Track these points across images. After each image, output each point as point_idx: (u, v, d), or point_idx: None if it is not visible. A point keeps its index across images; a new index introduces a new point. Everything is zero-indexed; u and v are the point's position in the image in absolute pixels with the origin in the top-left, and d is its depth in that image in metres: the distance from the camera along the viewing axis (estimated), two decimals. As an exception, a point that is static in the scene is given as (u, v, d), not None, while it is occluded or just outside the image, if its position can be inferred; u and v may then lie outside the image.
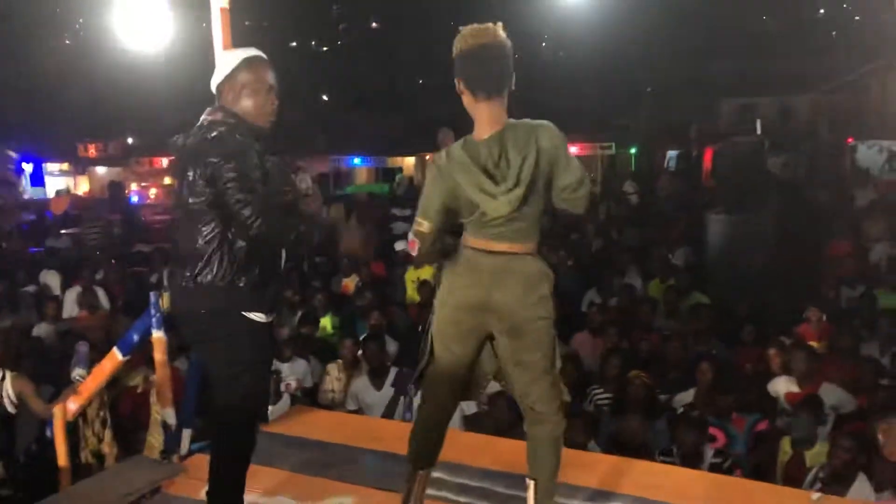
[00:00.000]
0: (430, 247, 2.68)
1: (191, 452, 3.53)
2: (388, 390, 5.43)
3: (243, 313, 2.69)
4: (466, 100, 2.61)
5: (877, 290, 7.12)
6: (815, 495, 3.17)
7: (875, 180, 14.27)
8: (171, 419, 3.47)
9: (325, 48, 46.59)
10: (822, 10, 39.44)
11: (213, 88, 2.81)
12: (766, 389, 5.27)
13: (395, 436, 3.66)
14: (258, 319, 2.72)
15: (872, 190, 12.37)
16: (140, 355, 3.91)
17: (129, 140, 26.86)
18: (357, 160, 24.35)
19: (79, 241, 12.82)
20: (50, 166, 24.99)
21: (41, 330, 7.40)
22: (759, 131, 9.54)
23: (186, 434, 3.52)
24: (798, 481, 4.23)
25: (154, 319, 3.32)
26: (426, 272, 8.22)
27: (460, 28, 2.63)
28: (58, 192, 21.16)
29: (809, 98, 25.29)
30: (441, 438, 2.86)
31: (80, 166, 25.93)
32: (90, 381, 3.57)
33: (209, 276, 2.64)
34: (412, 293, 8.13)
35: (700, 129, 23.12)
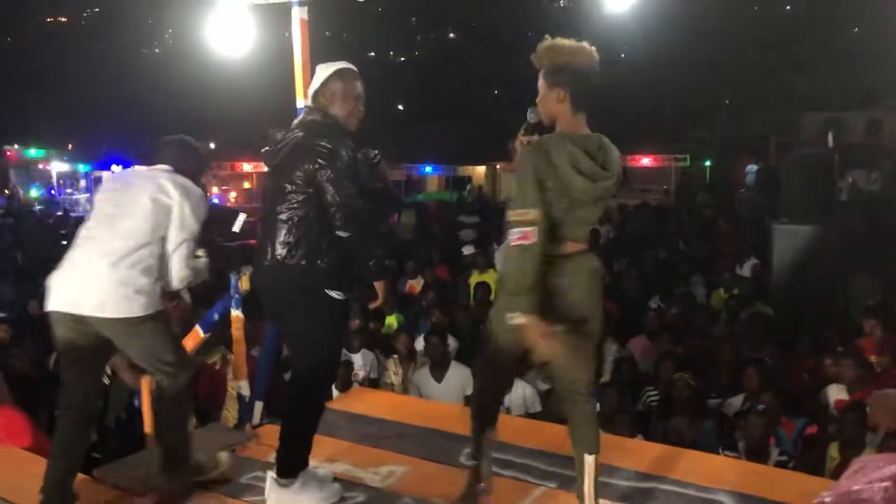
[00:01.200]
0: (544, 233, 2.73)
1: (261, 423, 3.86)
2: (447, 384, 5.68)
3: (324, 290, 3.00)
4: (562, 108, 2.82)
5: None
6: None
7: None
8: (246, 391, 3.80)
9: (402, 58, 47.42)
10: (912, 22, 37.91)
11: (310, 94, 3.19)
12: (818, 398, 5.31)
13: (446, 416, 3.94)
14: (335, 296, 3.03)
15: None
16: (219, 335, 4.27)
17: (211, 145, 27.93)
18: (428, 168, 24.75)
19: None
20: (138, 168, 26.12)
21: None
22: (830, 144, 9.43)
23: (258, 406, 3.85)
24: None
25: (234, 300, 3.65)
26: (490, 276, 8.47)
27: (548, 37, 2.87)
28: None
29: None
30: (498, 401, 3.15)
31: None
32: (175, 355, 3.92)
33: (294, 257, 2.96)
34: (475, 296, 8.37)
35: (780, 143, 22.67)
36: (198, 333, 3.81)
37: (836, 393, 5.13)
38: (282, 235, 2.99)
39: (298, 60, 3.80)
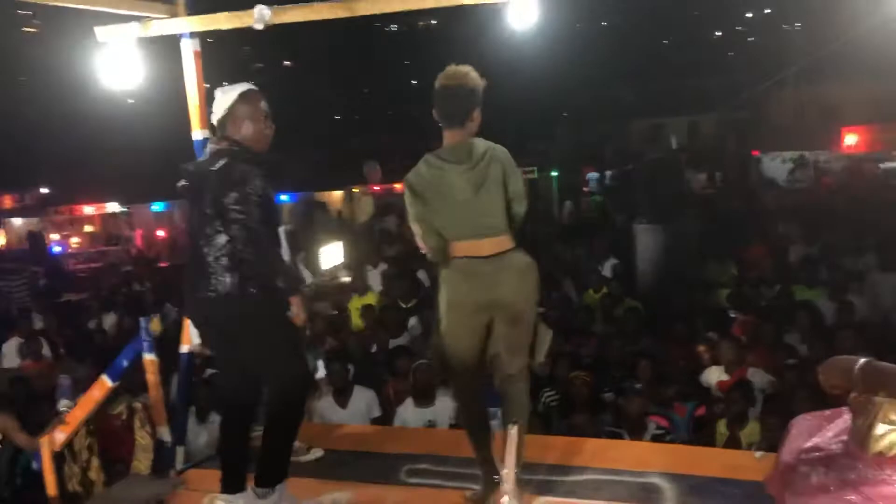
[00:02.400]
0: (434, 243, 3.11)
1: (185, 468, 3.71)
2: (352, 409, 5.66)
3: (284, 313, 3.05)
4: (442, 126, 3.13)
5: (792, 287, 7.75)
6: (759, 454, 3.58)
7: (780, 189, 15.30)
8: (167, 436, 3.65)
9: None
10: (718, 33, 41.68)
11: (215, 122, 3.17)
12: (698, 380, 5.74)
13: (377, 439, 3.97)
14: (275, 315, 3.06)
15: (781, 197, 13.31)
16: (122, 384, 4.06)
17: (44, 190, 26.24)
18: (284, 196, 24.36)
19: (2, 294, 12.54)
20: (-36, 220, 24.17)
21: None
22: (674, 146, 10.25)
23: (180, 451, 3.70)
24: (735, 458, 4.67)
25: (145, 343, 3.51)
26: (369, 298, 8.48)
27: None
28: (-25, 246, 20.49)
29: (714, 115, 26.76)
30: (482, 406, 3.29)
31: (-3, 218, 25.16)
32: (78, 410, 3.71)
33: (224, 288, 2.96)
34: (357, 320, 8.35)
35: (615, 150, 24.15)
36: (105, 383, 3.62)
37: (716, 375, 5.56)
38: (219, 267, 2.97)
39: (193, 92, 3.72)
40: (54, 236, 22.86)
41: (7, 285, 12.08)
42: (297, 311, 3.11)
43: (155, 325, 3.49)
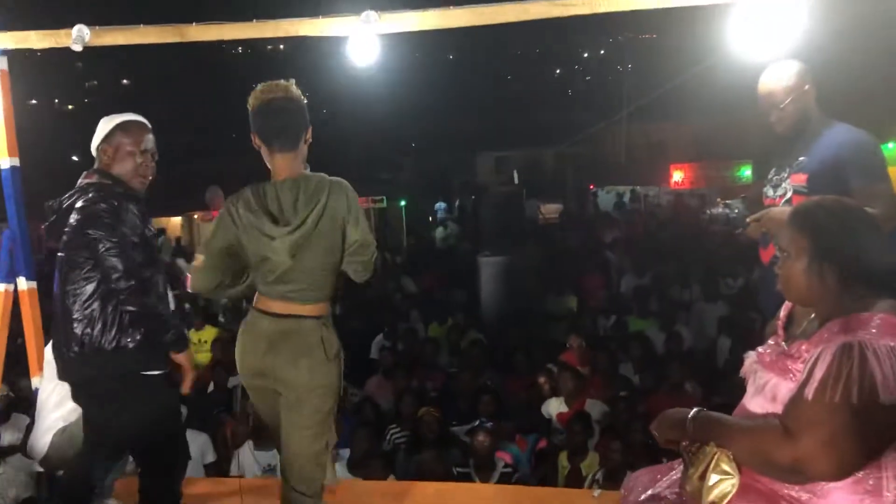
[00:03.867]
0: (205, 284, 2.72)
1: None
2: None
3: (139, 373, 2.71)
4: (263, 152, 2.69)
5: (627, 317, 8.11)
6: (596, 492, 3.64)
7: (616, 221, 16.11)
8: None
9: (70, 107, 43.67)
10: (557, 71, 43.79)
11: (93, 151, 2.85)
12: (539, 412, 5.83)
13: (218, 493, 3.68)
14: (154, 373, 2.75)
15: (615, 230, 13.99)
16: None
17: None
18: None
19: None
20: None
21: None
22: (516, 181, 10.54)
23: None
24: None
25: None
26: (207, 333, 8.08)
27: (254, 86, 2.70)
28: None
29: (554, 151, 27.98)
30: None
31: None
32: None
33: (93, 341, 2.66)
34: (195, 355, 7.93)
35: (464, 182, 24.67)
36: None
37: (556, 406, 5.67)
38: (86, 319, 2.67)
39: (0, 116, 3.36)
40: None
41: None
42: (185, 368, 2.82)
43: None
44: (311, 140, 2.73)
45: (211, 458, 5.34)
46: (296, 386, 2.62)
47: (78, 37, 3.10)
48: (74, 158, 32.75)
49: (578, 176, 25.17)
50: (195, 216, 22.15)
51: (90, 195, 2.71)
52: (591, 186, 24.26)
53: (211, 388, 6.62)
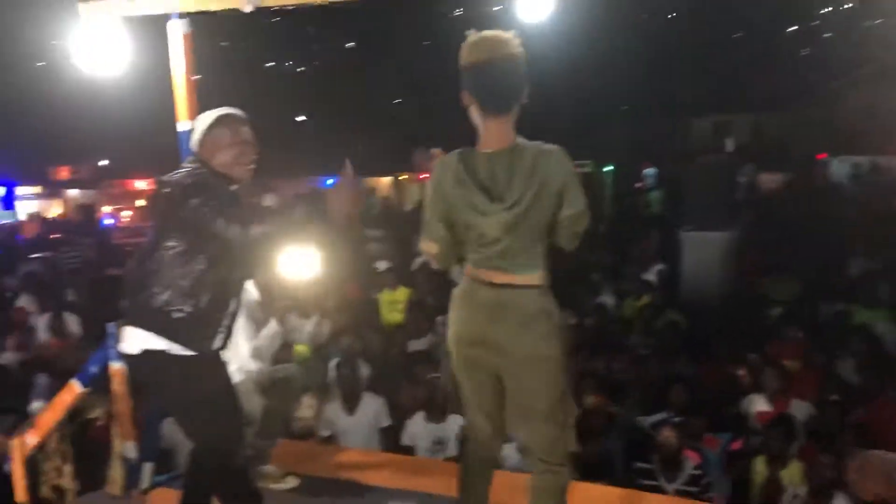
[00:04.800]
0: (449, 262, 2.65)
1: (152, 486, 3.44)
2: (361, 415, 5.36)
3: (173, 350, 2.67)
4: (473, 113, 2.51)
5: (852, 307, 7.14)
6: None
7: (849, 195, 14.44)
8: (132, 453, 3.38)
9: (300, 69, 46.60)
10: (792, 28, 40.14)
11: (193, 146, 2.87)
12: (736, 408, 5.27)
13: (366, 468, 3.63)
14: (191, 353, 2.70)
15: (848, 204, 12.50)
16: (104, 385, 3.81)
17: (102, 162, 26.66)
18: (330, 181, 24.26)
19: (53, 264, 12.62)
20: (22, 190, 24.70)
21: (6, 358, 7.25)
22: (729, 149, 9.61)
23: (147, 468, 3.43)
24: (775, 502, 4.22)
25: (112, 350, 3.23)
26: (401, 294, 8.17)
27: (467, 33, 2.49)
28: (29, 216, 20.86)
29: (780, 115, 25.67)
30: (487, 479, 2.79)
31: (53, 189, 25.65)
32: (48, 413, 3.47)
33: (161, 312, 2.66)
34: (387, 315, 8.06)
35: (674, 147, 23.41)
36: (74, 388, 3.37)
37: (757, 404, 5.08)
38: (149, 290, 2.69)
39: (181, 79, 3.42)
40: (106, 209, 23.20)
41: (60, 256, 12.15)
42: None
43: (125, 330, 3.20)
44: (526, 101, 2.52)
45: (385, 422, 5.35)
46: (521, 357, 2.49)
47: (250, -3, 3.05)
48: (300, 119, 35.05)
49: (808, 143, 22.89)
50: (402, 177, 22.93)
51: (188, 176, 2.72)
52: (823, 155, 21.95)
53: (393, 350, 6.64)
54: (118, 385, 3.29)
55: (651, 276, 8.79)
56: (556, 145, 2.49)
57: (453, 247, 2.60)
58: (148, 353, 2.68)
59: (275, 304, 3.54)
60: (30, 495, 3.58)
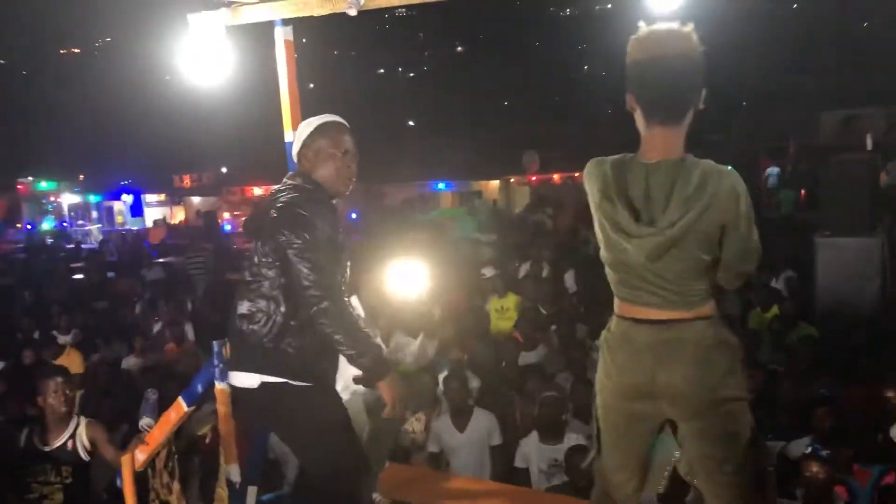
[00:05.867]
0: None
1: (256, 511, 3.34)
2: (471, 432, 5.15)
3: (288, 380, 2.59)
4: (638, 120, 2.17)
5: None
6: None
7: None
8: (235, 476, 3.29)
9: (411, 74, 47.24)
10: (930, 14, 37.32)
11: (294, 157, 2.79)
12: (887, 435, 4.72)
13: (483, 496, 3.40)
14: (304, 384, 2.62)
15: None
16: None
17: (223, 169, 27.69)
18: (441, 185, 24.26)
19: (173, 271, 13.12)
20: (148, 197, 26.01)
21: (129, 363, 7.48)
22: (869, 146, 8.82)
23: (251, 492, 3.33)
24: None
25: (217, 369, 3.15)
26: (510, 301, 7.93)
27: (639, 25, 2.16)
28: (155, 223, 21.93)
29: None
30: None
31: (176, 197, 26.91)
32: (156, 431, 3.44)
33: (257, 337, 2.60)
34: (497, 323, 7.84)
35: (800, 144, 22.09)
36: (181, 406, 3.31)
37: (911, 432, 4.53)
38: (246, 309, 2.65)
39: (285, 87, 3.31)
40: (227, 215, 24.07)
41: (185, 262, 12.62)
42: (387, 397, 2.61)
43: (228, 349, 3.11)
44: (703, 107, 2.17)
45: (497, 440, 5.11)
46: (697, 405, 2.13)
47: (353, 1, 2.91)
48: (410, 123, 35.41)
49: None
50: (511, 180, 22.67)
51: (290, 196, 2.63)
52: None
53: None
54: (222, 406, 3.20)
55: (779, 284, 8.18)
56: (729, 167, 2.12)
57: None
58: (265, 386, 2.62)
59: (379, 321, 3.38)
60: (140, 511, 3.56)
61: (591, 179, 2.19)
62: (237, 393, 2.78)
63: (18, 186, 28.02)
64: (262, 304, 2.60)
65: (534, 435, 4.89)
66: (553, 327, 7.05)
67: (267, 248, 2.60)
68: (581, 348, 6.27)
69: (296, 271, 2.52)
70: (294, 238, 2.52)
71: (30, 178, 28.85)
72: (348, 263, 2.75)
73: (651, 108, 2.11)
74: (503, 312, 7.97)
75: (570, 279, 9.11)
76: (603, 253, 2.24)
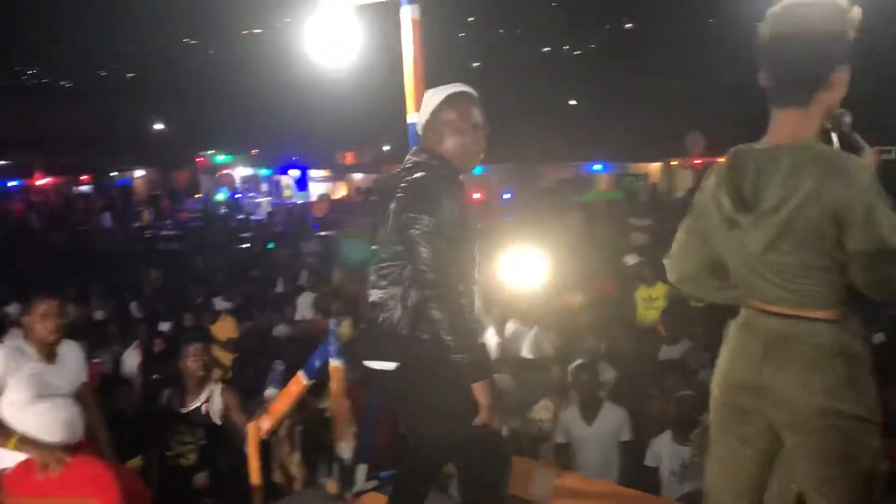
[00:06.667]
0: (675, 273, 2.25)
1: (364, 490, 3.37)
2: (600, 426, 4.97)
3: (433, 366, 2.46)
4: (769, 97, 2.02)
5: None
6: None
7: None
8: (346, 454, 3.32)
9: (577, 52, 46.41)
10: None
11: (419, 129, 2.68)
12: None
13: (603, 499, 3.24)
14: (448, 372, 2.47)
15: None
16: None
17: (385, 147, 28.44)
18: (597, 166, 23.64)
19: (329, 244, 13.63)
20: (313, 173, 27.16)
21: (279, 331, 7.83)
22: None
23: (361, 470, 3.36)
24: None
25: (332, 347, 3.19)
26: (658, 290, 7.57)
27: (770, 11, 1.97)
28: (319, 197, 22.90)
29: None
30: None
31: (339, 173, 27.93)
32: (279, 402, 3.54)
33: (391, 323, 2.50)
34: (643, 312, 7.53)
35: None
36: (300, 380, 3.39)
37: None
38: (390, 299, 2.53)
39: (409, 69, 3.26)
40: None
41: (339, 235, 13.09)
42: (481, 403, 2.44)
43: (345, 328, 3.14)
44: (841, 88, 1.96)
45: (626, 436, 4.91)
46: (802, 413, 1.92)
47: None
48: (572, 102, 34.81)
49: None
50: (673, 163, 21.72)
51: (415, 175, 2.49)
52: None
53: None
54: (335, 383, 3.24)
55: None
56: (851, 156, 1.89)
57: (692, 256, 2.17)
58: (401, 373, 2.51)
59: (493, 309, 3.28)
60: (263, 478, 3.69)
61: (716, 170, 2.05)
62: (373, 375, 2.65)
63: (198, 159, 30.15)
64: (394, 290, 2.50)
65: (667, 434, 4.65)
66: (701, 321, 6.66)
67: (393, 230, 2.51)
68: (728, 345, 5.88)
69: (416, 252, 2.42)
70: (418, 218, 2.41)
71: (209, 152, 30.99)
72: (477, 246, 2.61)
73: (770, 84, 1.97)
74: (651, 302, 7.63)
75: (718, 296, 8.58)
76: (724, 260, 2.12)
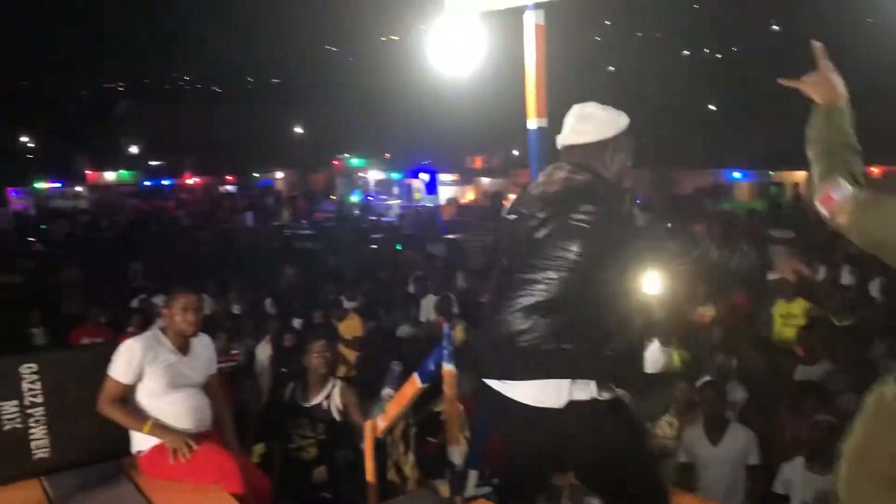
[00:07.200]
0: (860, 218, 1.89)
1: (475, 497, 3.35)
2: (726, 447, 4.73)
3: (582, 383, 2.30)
4: None
5: None
6: None
7: None
8: (457, 458, 3.32)
9: (718, 55, 44.68)
10: None
11: (578, 141, 2.51)
12: None
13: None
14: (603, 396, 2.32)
15: None
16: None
17: (514, 152, 28.46)
18: (737, 174, 22.63)
19: (454, 247, 13.76)
20: (443, 176, 27.56)
21: (402, 332, 7.96)
22: None
23: (472, 475, 3.34)
24: None
25: (446, 351, 3.19)
26: (798, 307, 7.15)
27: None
28: (447, 201, 23.19)
29: None
30: None
31: (467, 177, 28.18)
32: (394, 403, 3.59)
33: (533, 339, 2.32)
34: (780, 330, 7.13)
35: None
36: (415, 383, 3.41)
37: None
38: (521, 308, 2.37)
39: (532, 74, 3.22)
40: (511, 197, 24.60)
41: (467, 240, 13.25)
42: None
43: (458, 332, 3.14)
44: None
45: (754, 459, 4.64)
46: None
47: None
48: (711, 107, 33.57)
49: None
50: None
51: (586, 181, 2.39)
52: None
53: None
54: (448, 388, 3.24)
55: None
56: None
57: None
58: (573, 405, 2.28)
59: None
60: (378, 476, 3.75)
61: None
62: (516, 409, 2.38)
63: (334, 162, 31.29)
64: (541, 300, 2.31)
65: (799, 460, 4.36)
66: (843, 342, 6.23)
67: (549, 237, 2.35)
68: (873, 369, 5.46)
69: (583, 264, 2.29)
70: (587, 226, 2.30)
71: (345, 155, 32.07)
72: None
73: None
74: (789, 319, 7.22)
75: (875, 288, 8.02)
76: None
